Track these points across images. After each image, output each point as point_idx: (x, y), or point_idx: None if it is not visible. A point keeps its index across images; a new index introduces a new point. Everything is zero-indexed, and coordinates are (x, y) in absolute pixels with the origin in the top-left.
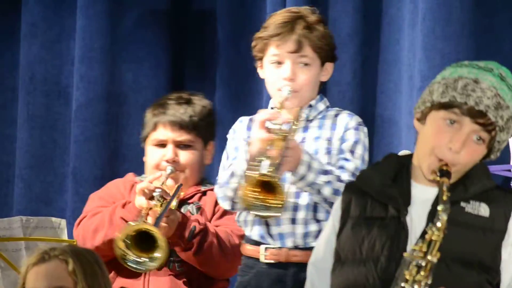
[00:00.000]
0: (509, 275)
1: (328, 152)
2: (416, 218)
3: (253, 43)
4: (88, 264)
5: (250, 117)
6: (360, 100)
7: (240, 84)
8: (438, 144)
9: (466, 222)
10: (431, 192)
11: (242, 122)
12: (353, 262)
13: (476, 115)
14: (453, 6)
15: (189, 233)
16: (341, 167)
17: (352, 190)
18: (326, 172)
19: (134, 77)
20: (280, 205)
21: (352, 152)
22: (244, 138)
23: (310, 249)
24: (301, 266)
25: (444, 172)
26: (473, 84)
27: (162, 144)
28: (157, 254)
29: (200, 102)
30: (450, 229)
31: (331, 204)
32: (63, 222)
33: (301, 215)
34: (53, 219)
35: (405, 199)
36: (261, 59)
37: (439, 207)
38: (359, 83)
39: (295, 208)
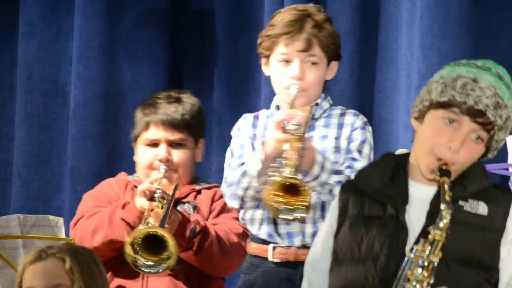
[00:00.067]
0: (508, 273)
1: (336, 151)
2: (414, 217)
3: (259, 41)
4: (85, 263)
5: (254, 114)
6: (357, 99)
7: (239, 82)
8: (437, 143)
9: (465, 221)
10: (429, 191)
11: (246, 119)
12: (351, 261)
13: (476, 114)
14: (451, 4)
15: (190, 232)
16: (350, 167)
17: (349, 190)
18: (337, 172)
19: (132, 76)
20: (305, 206)
21: (359, 151)
22: (249, 135)
23: None
24: None
25: (444, 171)
26: (472, 83)
27: (154, 144)
28: (167, 255)
29: (189, 100)
30: (452, 228)
31: None
32: (60, 221)
33: (309, 214)
34: (51, 217)
35: (403, 198)
36: (267, 56)
37: (442, 207)
38: (357, 82)
39: None
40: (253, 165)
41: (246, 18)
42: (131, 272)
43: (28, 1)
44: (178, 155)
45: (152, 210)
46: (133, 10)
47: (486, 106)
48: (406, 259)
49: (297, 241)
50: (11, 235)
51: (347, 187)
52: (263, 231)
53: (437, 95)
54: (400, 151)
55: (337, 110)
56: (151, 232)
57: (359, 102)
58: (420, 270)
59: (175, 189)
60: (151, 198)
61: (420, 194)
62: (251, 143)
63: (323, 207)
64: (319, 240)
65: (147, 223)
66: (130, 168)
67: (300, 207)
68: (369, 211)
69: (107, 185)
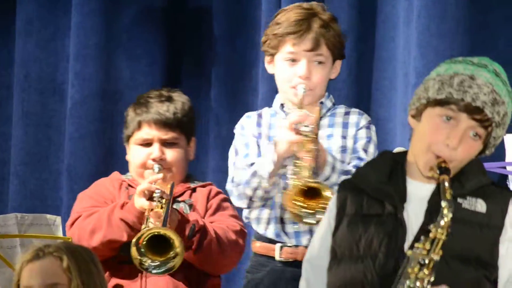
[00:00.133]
0: (507, 271)
1: (343, 151)
2: (412, 215)
3: (263, 38)
4: (83, 261)
5: (257, 112)
6: (355, 97)
7: (236, 81)
8: (435, 140)
9: (463, 218)
10: (427, 188)
11: (250, 117)
12: (350, 259)
13: (473, 111)
14: (448, 3)
15: (189, 231)
16: (356, 166)
17: (347, 188)
18: (346, 173)
19: (129, 74)
20: (325, 208)
21: (365, 151)
22: (253, 134)
23: None
24: None
25: (443, 169)
26: (469, 81)
27: (147, 143)
28: (173, 254)
29: (180, 98)
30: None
31: None
32: (58, 219)
33: None
34: (48, 216)
35: (401, 196)
36: (272, 55)
37: (443, 205)
38: (354, 80)
39: None
40: (264, 166)
41: (244, 16)
42: (129, 272)
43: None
44: (171, 154)
45: (152, 210)
46: (131, 9)
47: (483, 103)
48: (406, 257)
49: (304, 240)
50: (9, 234)
51: (345, 185)
52: (270, 231)
53: (434, 92)
54: (397, 149)
55: (340, 109)
56: (157, 233)
57: (356, 100)
58: (420, 267)
59: (172, 188)
60: (150, 198)
61: (418, 192)
62: (256, 142)
63: None
64: (317, 239)
65: (148, 224)
66: (127, 167)
67: (321, 209)
68: (367, 209)
69: (101, 185)
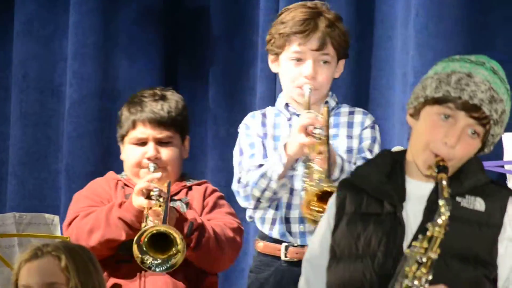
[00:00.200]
0: (506, 270)
1: (349, 150)
2: (411, 214)
3: (268, 37)
4: (81, 261)
5: (262, 112)
6: (353, 97)
7: (234, 81)
8: (433, 139)
9: (462, 217)
10: (426, 187)
11: (255, 117)
12: (349, 258)
13: (471, 109)
14: (446, 2)
15: (188, 229)
16: None
17: (347, 187)
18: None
19: (127, 74)
20: None
21: (370, 151)
22: (259, 134)
23: None
24: None
25: (441, 167)
26: (467, 78)
27: (141, 142)
28: (174, 251)
29: (174, 97)
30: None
31: None
32: (56, 219)
33: None
34: (46, 215)
35: (400, 195)
36: (277, 54)
37: (441, 203)
38: (352, 80)
39: None
40: (275, 168)
41: (241, 16)
42: (127, 271)
43: None
44: (166, 152)
45: (150, 208)
46: (129, 8)
47: (481, 101)
48: (404, 256)
49: (309, 240)
50: (7, 233)
51: (345, 184)
52: (276, 231)
53: (432, 91)
54: (395, 148)
55: (344, 108)
56: (158, 230)
57: (354, 99)
58: (418, 266)
59: (169, 186)
60: (148, 197)
61: (417, 190)
62: (261, 142)
63: None
64: (317, 238)
65: (148, 222)
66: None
67: None
68: (367, 208)
69: (97, 185)
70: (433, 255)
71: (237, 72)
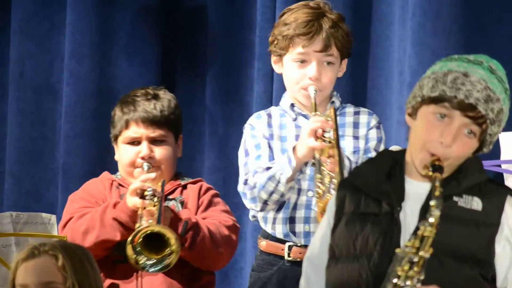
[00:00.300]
0: (504, 269)
1: (355, 151)
2: (409, 214)
3: (271, 39)
4: (78, 260)
5: (267, 112)
6: (350, 96)
7: (231, 80)
8: (429, 138)
9: (459, 217)
10: (425, 187)
11: (260, 118)
12: (347, 258)
13: (466, 108)
14: (443, 2)
15: (182, 228)
16: None
17: (346, 186)
18: None
19: (124, 73)
20: None
21: (376, 151)
22: (264, 135)
23: None
24: None
25: (436, 167)
26: (463, 78)
27: (135, 142)
28: (169, 251)
29: (166, 96)
30: (443, 224)
31: None
32: (53, 218)
33: None
34: (43, 214)
35: (399, 195)
36: (280, 55)
37: (432, 203)
38: (350, 79)
39: None
40: (283, 172)
41: (239, 15)
42: (124, 271)
43: None
44: (160, 151)
45: (144, 208)
46: (125, 7)
47: (476, 100)
48: (395, 255)
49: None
50: (4, 233)
51: (345, 184)
52: (279, 230)
53: (428, 90)
54: (392, 148)
55: (349, 108)
56: (152, 231)
57: (352, 99)
58: (410, 266)
59: (163, 186)
60: (142, 196)
61: (417, 190)
62: (267, 143)
63: None
64: (318, 237)
65: (142, 222)
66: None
67: None
68: (365, 208)
69: (92, 185)
70: (425, 255)
71: (234, 71)
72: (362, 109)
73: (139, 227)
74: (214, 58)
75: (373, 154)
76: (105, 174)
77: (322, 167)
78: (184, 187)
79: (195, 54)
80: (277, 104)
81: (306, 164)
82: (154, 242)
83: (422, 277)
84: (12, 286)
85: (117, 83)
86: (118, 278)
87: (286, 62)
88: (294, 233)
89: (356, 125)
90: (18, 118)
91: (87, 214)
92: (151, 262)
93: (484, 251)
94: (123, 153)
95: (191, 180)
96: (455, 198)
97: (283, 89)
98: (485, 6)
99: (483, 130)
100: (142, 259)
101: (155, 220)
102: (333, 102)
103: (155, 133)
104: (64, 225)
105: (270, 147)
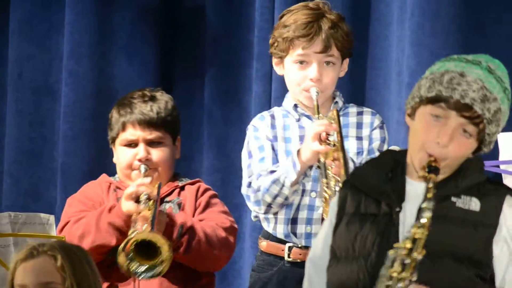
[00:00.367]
0: (502, 271)
1: (359, 152)
2: (409, 215)
3: (271, 41)
4: (77, 260)
5: (270, 113)
6: (349, 96)
7: (230, 81)
8: (427, 139)
9: (457, 217)
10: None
11: (264, 119)
12: (346, 258)
13: (462, 108)
14: (442, 2)
15: (177, 233)
16: None
17: (348, 187)
18: None
19: (123, 73)
20: None
21: (380, 151)
22: (268, 137)
23: None
24: None
25: (432, 168)
26: (459, 78)
27: (132, 144)
28: (160, 260)
29: (163, 98)
30: (440, 225)
31: None
32: (51, 218)
33: None
34: (42, 215)
35: (399, 196)
36: (281, 57)
37: (424, 204)
38: (348, 79)
39: None
40: (288, 175)
41: (237, 15)
42: (120, 275)
43: None
44: (157, 153)
45: (139, 213)
46: (125, 8)
47: (472, 100)
48: (387, 257)
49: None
50: (2, 233)
51: (347, 184)
52: (280, 230)
53: (426, 90)
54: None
55: (352, 108)
56: (143, 239)
57: (351, 99)
58: (402, 267)
59: (159, 189)
60: (137, 201)
61: (417, 191)
62: (271, 145)
63: None
64: (320, 238)
65: (137, 227)
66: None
67: None
68: (365, 208)
69: (89, 188)
70: (417, 257)
71: (233, 71)
72: (365, 109)
73: (132, 233)
74: (213, 59)
75: (376, 154)
76: (103, 177)
77: (327, 171)
78: (182, 188)
79: (194, 54)
80: (275, 105)
81: (310, 167)
82: (146, 249)
83: (414, 279)
84: (11, 286)
85: (116, 83)
86: (115, 281)
87: (287, 64)
88: (295, 234)
89: (359, 126)
90: (17, 119)
91: (83, 219)
92: (142, 269)
93: (481, 252)
94: (120, 155)
95: (189, 181)
96: (453, 199)
97: (282, 89)
98: (484, 6)
99: (480, 130)
100: (134, 266)
101: (149, 226)
102: (336, 102)
103: (152, 135)
104: (61, 229)
105: (273, 149)
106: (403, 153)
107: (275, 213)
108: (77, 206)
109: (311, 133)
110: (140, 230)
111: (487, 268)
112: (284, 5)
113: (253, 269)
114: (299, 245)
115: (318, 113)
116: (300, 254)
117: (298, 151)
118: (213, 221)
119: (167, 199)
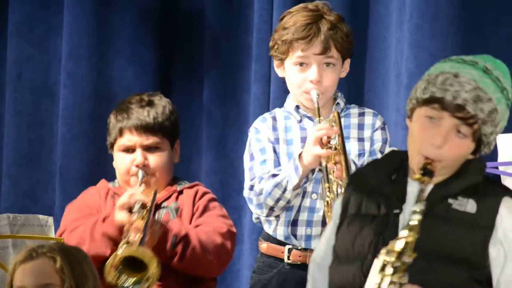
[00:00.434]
0: (497, 273)
1: (360, 154)
2: (409, 217)
3: (271, 44)
4: (77, 262)
5: (272, 115)
6: (347, 98)
7: (228, 82)
8: (422, 141)
9: (452, 219)
10: (427, 190)
11: (266, 121)
12: (347, 259)
13: (455, 109)
14: (441, 4)
15: (171, 243)
16: None
17: (351, 188)
18: None
19: (122, 74)
20: None
21: (382, 152)
22: (270, 139)
23: None
24: None
25: (426, 170)
26: (452, 79)
27: (130, 149)
28: (147, 276)
29: (161, 102)
30: (436, 226)
31: None
32: (50, 220)
33: None
34: (41, 216)
35: (399, 197)
36: (281, 59)
37: (414, 207)
38: (347, 80)
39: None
40: (290, 179)
41: (236, 17)
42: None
43: None
44: (154, 159)
45: (132, 223)
46: (123, 9)
47: (464, 101)
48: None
49: (314, 244)
50: (1, 235)
51: (351, 185)
52: (280, 232)
53: (421, 92)
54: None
55: (354, 109)
56: (130, 255)
57: (349, 100)
58: (393, 271)
59: (154, 196)
60: (130, 210)
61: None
62: (272, 147)
63: None
64: (324, 238)
65: (129, 237)
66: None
67: None
68: (366, 209)
69: (88, 195)
70: (407, 259)
71: (232, 73)
72: (367, 109)
73: (122, 245)
74: (211, 60)
75: (378, 155)
76: (102, 182)
77: (329, 175)
78: (180, 192)
79: (192, 56)
80: (274, 106)
81: (312, 171)
82: (135, 261)
83: (405, 281)
84: None
85: (114, 85)
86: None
87: (287, 66)
88: (295, 236)
89: (361, 127)
90: (16, 120)
91: (78, 228)
92: (130, 281)
93: (477, 254)
94: (118, 161)
95: (188, 184)
96: (450, 200)
97: (280, 90)
98: (483, 8)
99: (474, 131)
100: (122, 279)
101: (141, 234)
102: (337, 103)
103: (149, 140)
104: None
105: (275, 151)
106: (407, 154)
107: (277, 215)
108: (74, 214)
109: (312, 137)
110: (132, 241)
111: (483, 270)
112: (283, 7)
113: (253, 271)
114: (299, 247)
115: (319, 115)
116: (300, 256)
117: (300, 155)
118: (210, 226)
119: (165, 204)
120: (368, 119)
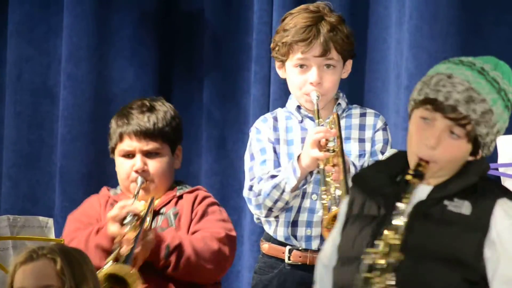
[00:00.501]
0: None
1: (360, 155)
2: None
3: (272, 45)
4: (77, 264)
5: (273, 115)
6: (347, 99)
7: (228, 83)
8: (417, 142)
9: (447, 221)
10: (427, 190)
11: (267, 121)
12: (348, 260)
13: (447, 110)
14: (440, 4)
15: (164, 253)
16: None
17: (356, 188)
18: None
19: (121, 75)
20: None
21: (383, 153)
22: (270, 139)
23: None
24: None
25: (417, 172)
26: (446, 80)
27: (130, 155)
28: None
29: (162, 108)
30: (430, 228)
31: None
32: (50, 221)
33: None
34: (41, 218)
35: (400, 199)
36: (282, 61)
37: (400, 208)
38: (346, 82)
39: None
40: (288, 181)
41: (235, 18)
42: None
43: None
44: (153, 165)
45: (123, 236)
46: (123, 10)
47: (456, 101)
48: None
49: (314, 245)
50: (1, 236)
51: (355, 185)
52: (280, 233)
53: (417, 93)
54: (391, 151)
55: (355, 110)
56: (113, 273)
57: (349, 101)
58: (379, 272)
59: (150, 204)
60: (123, 220)
61: (420, 194)
62: (272, 147)
63: None
64: (331, 238)
65: (121, 248)
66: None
67: None
68: (367, 210)
69: (89, 204)
70: (393, 260)
71: (231, 74)
72: (368, 110)
73: (109, 260)
74: (211, 61)
75: (379, 156)
76: (103, 190)
77: (326, 178)
78: (180, 197)
79: (192, 57)
80: (274, 107)
81: (311, 173)
82: (118, 279)
83: (391, 282)
84: None
85: (114, 86)
86: None
87: (288, 68)
88: (295, 236)
89: (362, 127)
90: (15, 121)
91: (74, 239)
92: None
93: (470, 255)
94: (119, 166)
95: (188, 189)
96: (446, 202)
97: (280, 91)
98: (482, 8)
99: (468, 132)
100: None
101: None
102: (339, 104)
103: (149, 146)
104: None
105: (275, 151)
106: None
107: (276, 216)
108: (74, 224)
109: (310, 139)
110: (123, 253)
111: (477, 271)
112: (283, 8)
113: (255, 271)
114: (299, 248)
115: (318, 117)
116: (300, 257)
117: (299, 157)
118: (207, 232)
119: (164, 209)
120: (370, 120)
